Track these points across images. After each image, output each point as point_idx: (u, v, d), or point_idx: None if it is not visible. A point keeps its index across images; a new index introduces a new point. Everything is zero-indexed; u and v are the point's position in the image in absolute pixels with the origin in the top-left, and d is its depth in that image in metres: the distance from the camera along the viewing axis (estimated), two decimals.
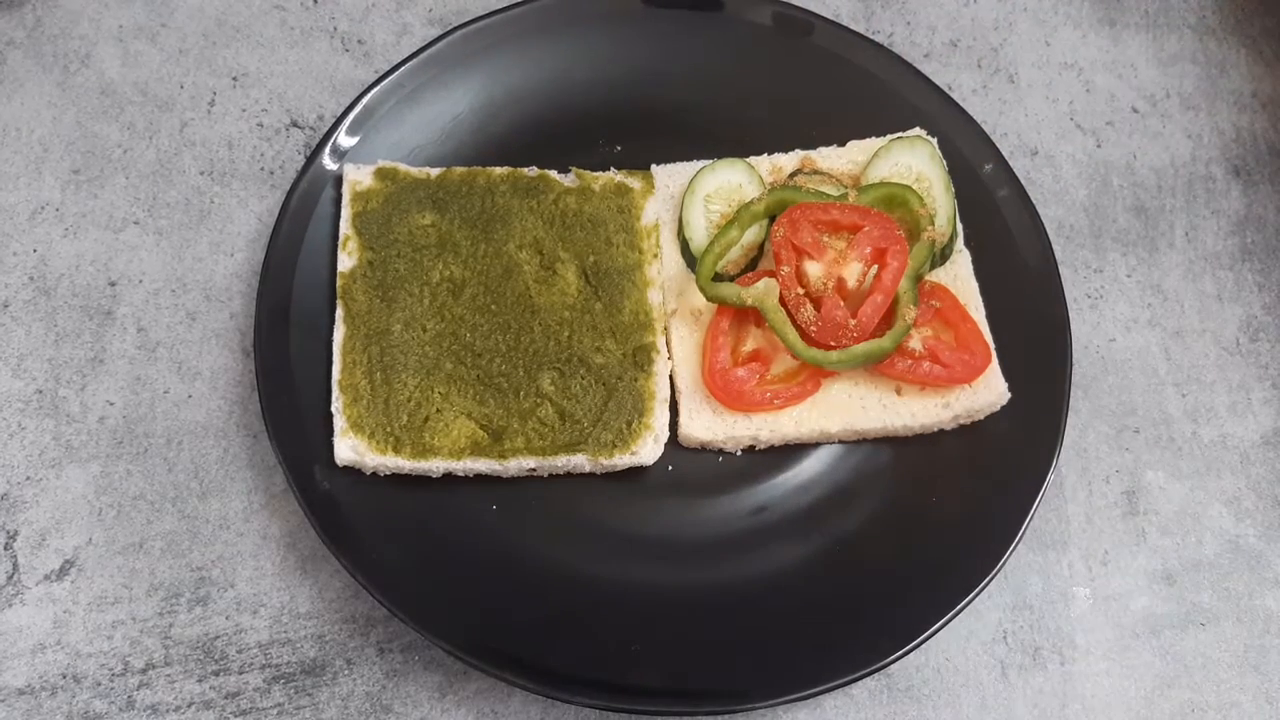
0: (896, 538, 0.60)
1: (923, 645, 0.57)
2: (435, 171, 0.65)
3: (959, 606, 0.57)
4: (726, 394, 0.61)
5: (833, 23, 0.70)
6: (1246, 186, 0.76)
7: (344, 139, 0.65)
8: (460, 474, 0.59)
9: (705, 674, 0.56)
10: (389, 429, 0.58)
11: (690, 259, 0.64)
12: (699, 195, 0.65)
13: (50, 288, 0.65)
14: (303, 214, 0.63)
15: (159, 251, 0.67)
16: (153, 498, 0.61)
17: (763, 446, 0.62)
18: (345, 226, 0.63)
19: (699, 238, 0.64)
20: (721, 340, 0.62)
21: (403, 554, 0.57)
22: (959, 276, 0.65)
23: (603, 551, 0.59)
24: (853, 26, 0.73)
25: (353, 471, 0.59)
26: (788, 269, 0.61)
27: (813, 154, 0.66)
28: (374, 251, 0.62)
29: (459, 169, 0.65)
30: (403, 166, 0.65)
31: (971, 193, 0.66)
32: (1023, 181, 0.68)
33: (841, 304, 0.61)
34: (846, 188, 0.65)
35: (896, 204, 0.63)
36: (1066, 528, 0.64)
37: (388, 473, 0.59)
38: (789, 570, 0.60)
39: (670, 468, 0.62)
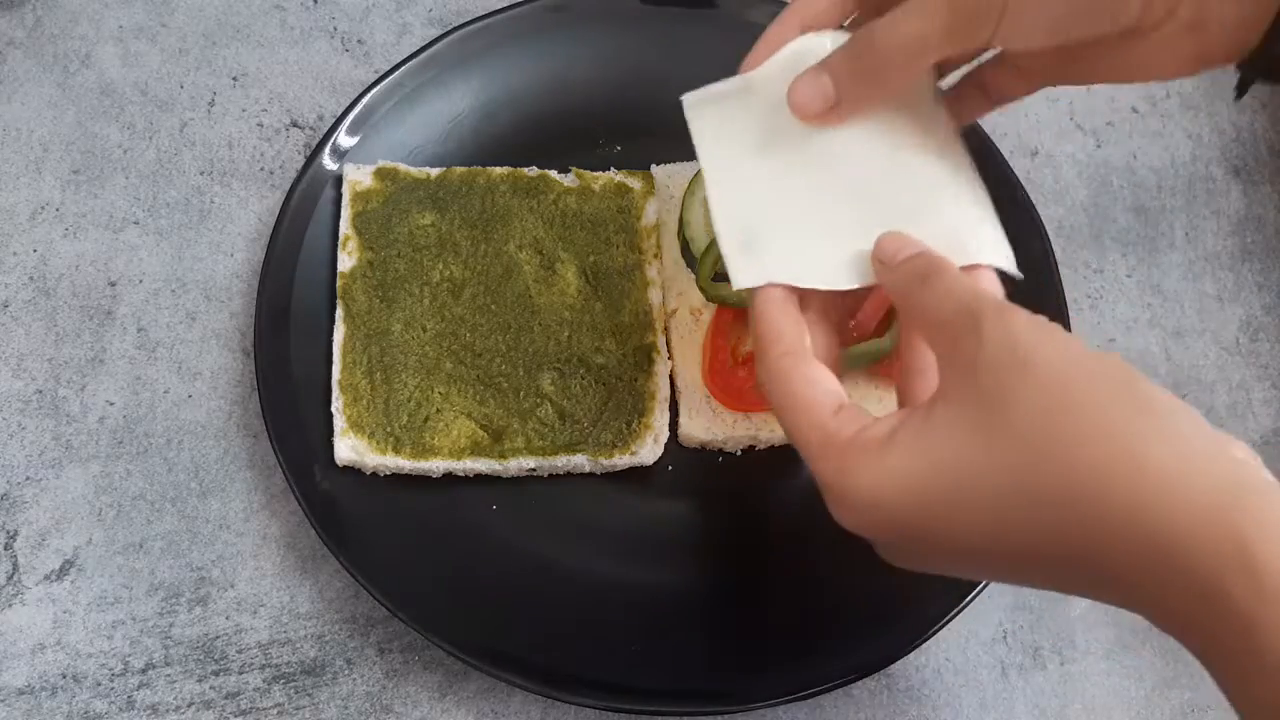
0: None
1: (923, 645, 0.57)
2: (435, 171, 0.65)
3: (959, 606, 0.57)
4: (726, 394, 0.61)
5: None
6: (1246, 186, 0.76)
7: (344, 139, 0.65)
8: (460, 474, 0.59)
9: (705, 674, 0.56)
10: (389, 429, 0.58)
11: (690, 259, 0.64)
12: (699, 195, 0.65)
13: (50, 288, 0.65)
14: (303, 214, 0.63)
15: (159, 251, 0.67)
16: (153, 498, 0.61)
17: (763, 446, 0.62)
18: (345, 226, 0.63)
19: (699, 238, 0.64)
20: (721, 340, 0.62)
21: (403, 554, 0.57)
22: None
23: (603, 551, 0.59)
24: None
25: (353, 471, 0.59)
26: None
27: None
28: (374, 251, 0.62)
29: (459, 169, 0.65)
30: (403, 166, 0.65)
31: None
32: (1023, 181, 0.68)
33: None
34: None
35: None
36: None
37: (388, 473, 0.59)
38: (790, 570, 0.60)
39: (670, 468, 0.62)
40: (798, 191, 0.48)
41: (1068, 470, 0.36)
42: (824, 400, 0.43)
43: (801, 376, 0.44)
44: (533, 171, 0.66)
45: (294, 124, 0.71)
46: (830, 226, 0.47)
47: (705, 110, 0.52)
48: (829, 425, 0.42)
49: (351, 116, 0.66)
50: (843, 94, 0.46)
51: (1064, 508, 0.36)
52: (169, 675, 0.57)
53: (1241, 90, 0.45)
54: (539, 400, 0.60)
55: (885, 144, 0.48)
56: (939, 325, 0.41)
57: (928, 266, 0.42)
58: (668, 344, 0.63)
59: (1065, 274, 0.68)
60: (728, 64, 0.72)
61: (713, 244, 0.62)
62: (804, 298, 0.47)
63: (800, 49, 0.48)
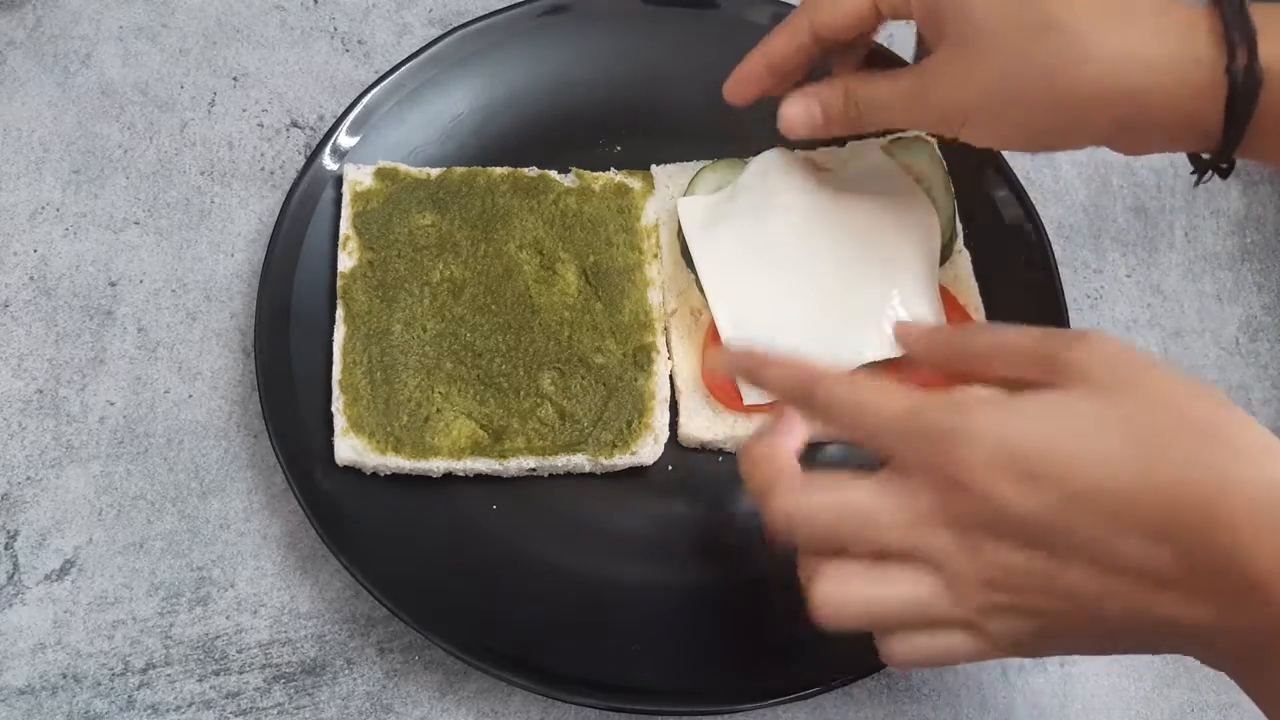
0: None
1: None
2: (435, 171, 0.65)
3: None
4: (726, 394, 0.61)
5: None
6: (1246, 186, 0.75)
7: (344, 139, 0.65)
8: (460, 474, 0.59)
9: (705, 674, 0.56)
10: (389, 429, 0.58)
11: (690, 259, 0.64)
12: (699, 193, 0.65)
13: (51, 288, 0.65)
14: (303, 214, 0.64)
15: (159, 251, 0.67)
16: (153, 497, 0.61)
17: None
18: (345, 226, 0.63)
19: None
20: (722, 340, 0.62)
21: (403, 554, 0.57)
22: (959, 277, 0.65)
23: (603, 551, 0.59)
24: None
25: (353, 471, 0.59)
26: None
27: (812, 154, 0.66)
28: (374, 251, 0.62)
29: (459, 169, 0.65)
30: (403, 166, 0.65)
31: (971, 193, 0.67)
32: (1023, 181, 0.68)
33: None
34: None
35: None
36: None
37: (388, 473, 0.59)
38: (790, 570, 0.60)
39: (670, 468, 0.62)
40: (781, 292, 0.60)
41: (1204, 428, 0.38)
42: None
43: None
44: (533, 171, 0.66)
45: (294, 124, 0.71)
46: (811, 320, 0.60)
47: (695, 208, 0.63)
48: (923, 393, 0.43)
49: (352, 117, 0.66)
50: (829, 127, 0.56)
51: (1203, 452, 0.38)
52: (169, 675, 0.57)
53: (1198, 181, 0.51)
54: (539, 400, 0.60)
55: (851, 244, 0.61)
56: (1021, 353, 0.43)
57: (984, 324, 0.50)
58: (668, 344, 0.63)
59: (1065, 274, 0.68)
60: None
61: None
62: None
63: (770, 162, 0.62)
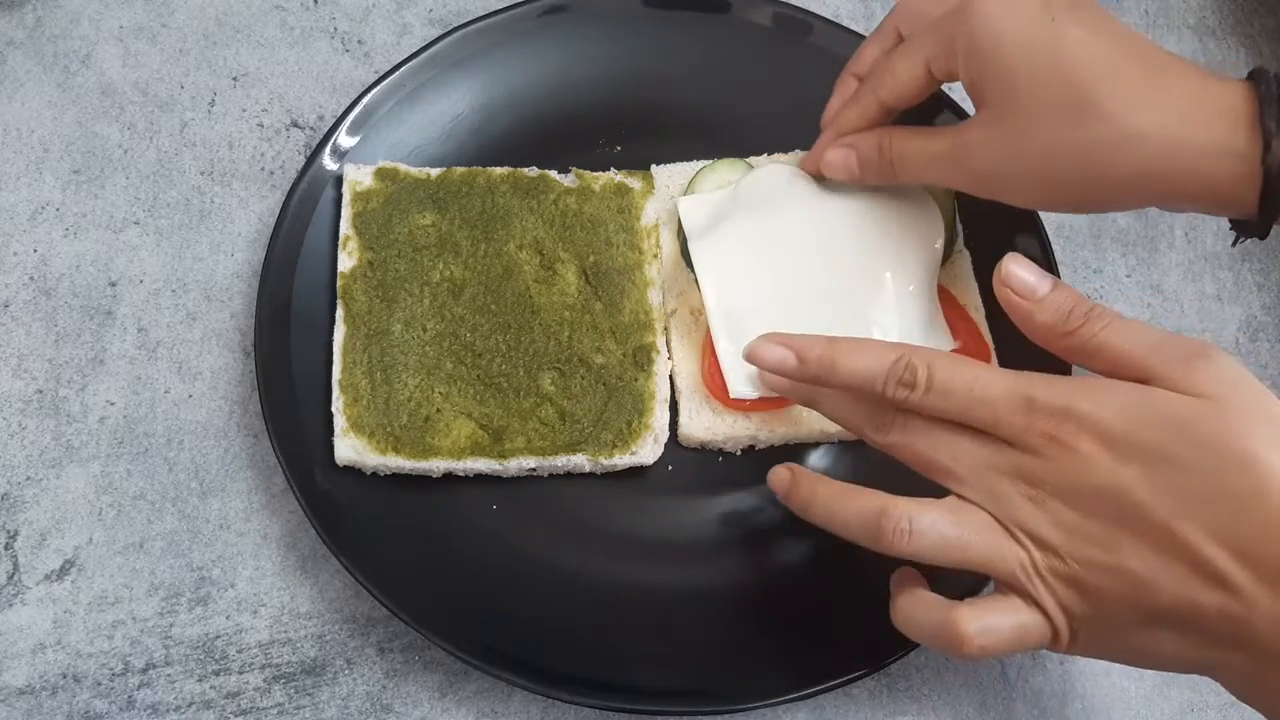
0: None
1: (923, 645, 0.57)
2: (435, 171, 0.65)
3: None
4: (726, 394, 0.61)
5: (833, 23, 0.71)
6: None
7: (344, 139, 0.65)
8: (460, 474, 0.59)
9: (705, 674, 0.56)
10: (389, 429, 0.58)
11: (690, 259, 0.64)
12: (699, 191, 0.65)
13: (51, 288, 0.65)
14: (303, 214, 0.64)
15: (159, 251, 0.67)
16: (153, 497, 0.61)
17: (762, 446, 0.62)
18: (345, 226, 0.63)
19: None
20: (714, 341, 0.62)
21: (403, 554, 0.57)
22: (959, 276, 0.65)
23: (603, 551, 0.59)
24: (852, 26, 0.73)
25: (353, 471, 0.59)
26: None
27: None
28: (374, 251, 0.62)
29: (459, 169, 0.65)
30: (403, 166, 0.65)
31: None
32: None
33: None
34: None
35: None
36: None
37: (388, 473, 0.59)
38: (789, 570, 0.60)
39: (670, 468, 0.62)
40: (781, 292, 0.60)
41: None
42: None
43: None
44: (533, 171, 0.66)
45: (294, 124, 0.71)
46: (810, 320, 0.57)
47: (695, 208, 0.63)
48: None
49: (352, 117, 0.66)
50: (865, 176, 0.59)
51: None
52: (169, 675, 0.57)
53: (1235, 242, 0.52)
54: (539, 400, 0.60)
55: (852, 244, 0.61)
56: (1142, 345, 0.45)
57: (1096, 307, 0.47)
58: (668, 344, 0.63)
59: (1065, 274, 0.68)
60: (725, 64, 0.73)
61: None
62: None
63: (775, 170, 0.63)
